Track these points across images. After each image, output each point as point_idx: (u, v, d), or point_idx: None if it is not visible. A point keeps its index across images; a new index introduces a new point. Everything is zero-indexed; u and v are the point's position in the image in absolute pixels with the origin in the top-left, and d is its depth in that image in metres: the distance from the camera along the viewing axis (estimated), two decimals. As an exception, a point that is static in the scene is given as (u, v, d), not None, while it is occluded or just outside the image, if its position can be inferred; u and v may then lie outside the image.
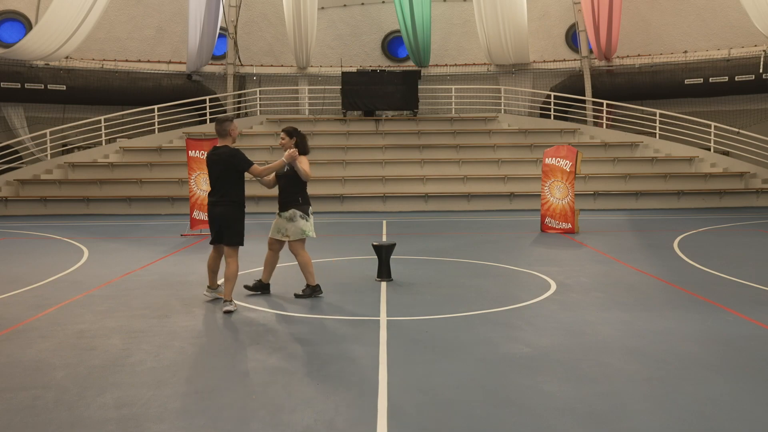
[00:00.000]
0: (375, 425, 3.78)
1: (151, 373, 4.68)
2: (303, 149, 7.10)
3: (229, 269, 6.61)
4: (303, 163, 6.96)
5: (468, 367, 4.77)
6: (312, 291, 7.18)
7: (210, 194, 6.75)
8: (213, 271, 7.00)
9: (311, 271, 7.15)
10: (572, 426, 3.75)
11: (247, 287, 7.32)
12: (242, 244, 6.74)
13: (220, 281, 7.32)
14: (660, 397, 4.17)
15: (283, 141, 7.10)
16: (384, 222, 15.30)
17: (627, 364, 4.82)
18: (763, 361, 4.88)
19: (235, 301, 6.73)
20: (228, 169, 6.60)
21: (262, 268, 7.41)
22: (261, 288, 7.35)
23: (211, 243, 6.92)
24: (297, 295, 7.18)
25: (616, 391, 4.27)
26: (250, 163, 6.65)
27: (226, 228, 6.64)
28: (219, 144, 6.73)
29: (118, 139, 20.89)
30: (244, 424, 3.80)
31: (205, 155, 7.48)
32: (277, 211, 7.11)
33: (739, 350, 5.14)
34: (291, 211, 6.99)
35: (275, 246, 7.23)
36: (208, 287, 7.10)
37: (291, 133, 7.12)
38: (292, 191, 7.02)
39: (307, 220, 7.03)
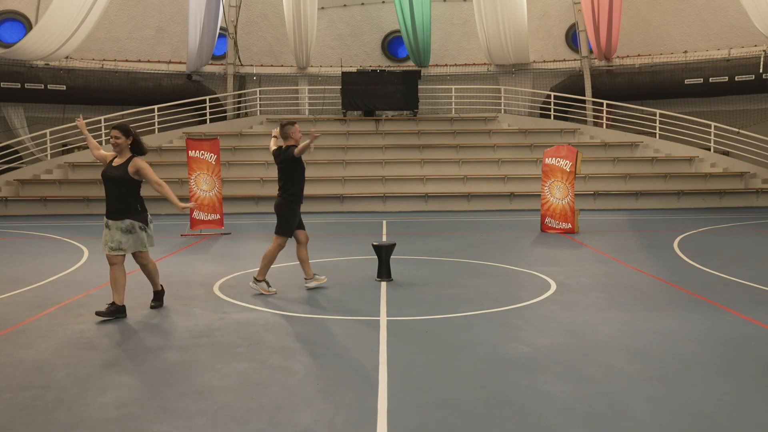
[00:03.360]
0: (375, 425, 3.78)
1: (151, 373, 4.68)
2: (140, 150, 6.37)
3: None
4: (145, 167, 6.30)
5: (468, 367, 4.76)
6: (160, 297, 6.74)
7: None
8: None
9: (157, 274, 6.70)
10: (572, 426, 3.75)
11: (100, 313, 6.23)
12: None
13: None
14: (660, 397, 4.17)
15: (117, 140, 6.25)
16: (384, 222, 15.30)
17: (627, 364, 4.82)
18: (763, 361, 4.88)
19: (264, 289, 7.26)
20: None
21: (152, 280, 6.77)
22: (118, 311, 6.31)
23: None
24: (153, 306, 6.67)
25: (616, 391, 4.27)
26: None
27: None
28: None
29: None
30: (244, 424, 3.80)
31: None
32: (106, 220, 6.31)
33: (739, 350, 5.14)
34: (129, 222, 6.25)
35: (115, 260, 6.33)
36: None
37: (127, 131, 6.32)
38: (127, 197, 6.26)
39: (146, 231, 6.37)
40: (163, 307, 6.73)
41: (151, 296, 6.84)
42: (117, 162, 6.32)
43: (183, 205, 6.30)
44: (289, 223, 7.31)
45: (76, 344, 5.41)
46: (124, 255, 6.31)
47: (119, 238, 6.25)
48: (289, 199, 7.30)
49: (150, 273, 6.64)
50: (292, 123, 7.57)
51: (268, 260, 7.32)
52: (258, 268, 7.43)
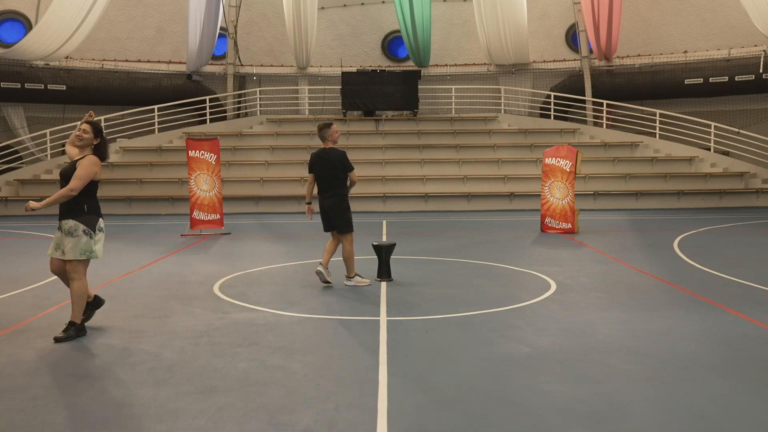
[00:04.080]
0: (375, 425, 3.78)
1: (151, 373, 4.68)
2: (101, 154, 5.77)
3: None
4: (84, 165, 5.60)
5: (468, 367, 4.76)
6: (77, 331, 5.55)
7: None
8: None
9: (83, 305, 5.63)
10: (572, 426, 3.75)
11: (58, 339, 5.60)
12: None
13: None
14: (660, 397, 4.17)
15: (85, 134, 5.69)
16: (384, 222, 15.30)
17: (627, 364, 4.82)
18: (763, 361, 4.88)
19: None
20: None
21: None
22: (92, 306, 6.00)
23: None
24: (57, 339, 5.44)
25: (616, 391, 4.27)
26: None
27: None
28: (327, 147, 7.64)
29: (118, 139, 20.89)
30: (244, 424, 3.80)
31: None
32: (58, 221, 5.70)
33: (739, 350, 5.14)
34: (72, 223, 5.58)
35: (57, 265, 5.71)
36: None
37: (98, 131, 5.79)
38: (76, 197, 5.59)
39: (92, 237, 5.61)
40: (68, 339, 5.49)
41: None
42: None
43: (34, 205, 5.48)
44: (351, 219, 7.72)
45: (76, 344, 5.41)
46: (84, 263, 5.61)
47: (60, 239, 5.61)
48: (345, 199, 7.67)
49: (73, 294, 5.57)
50: (329, 125, 7.65)
51: (350, 258, 7.71)
52: (347, 269, 7.75)
